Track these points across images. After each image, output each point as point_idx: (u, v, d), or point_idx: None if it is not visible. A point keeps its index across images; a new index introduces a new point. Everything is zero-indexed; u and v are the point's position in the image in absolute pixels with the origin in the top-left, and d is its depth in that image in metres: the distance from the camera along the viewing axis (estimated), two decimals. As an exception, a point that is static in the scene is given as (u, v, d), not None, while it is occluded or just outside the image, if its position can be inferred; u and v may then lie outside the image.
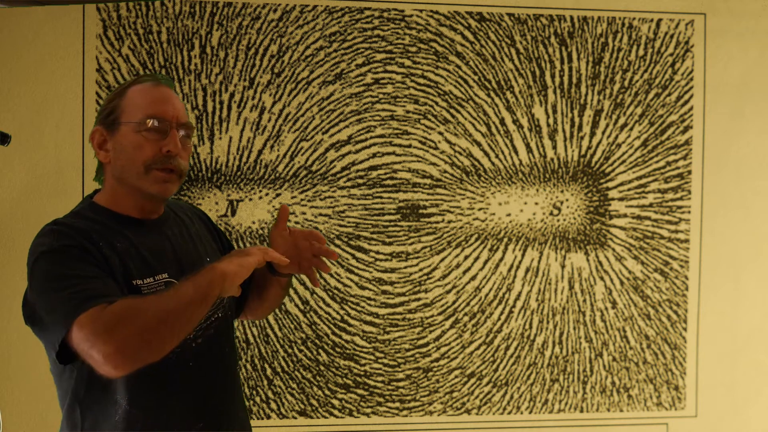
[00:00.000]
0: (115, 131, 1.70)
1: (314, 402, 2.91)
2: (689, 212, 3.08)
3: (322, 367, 2.92)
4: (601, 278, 3.05)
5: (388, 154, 2.95)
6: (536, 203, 3.02)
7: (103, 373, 1.51)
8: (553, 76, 3.01)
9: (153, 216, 1.75)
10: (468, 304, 3.00)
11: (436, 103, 2.96)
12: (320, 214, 2.91)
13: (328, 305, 2.93)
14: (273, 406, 2.90)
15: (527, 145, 3.01)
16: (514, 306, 3.02)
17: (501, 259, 3.01)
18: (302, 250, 1.83)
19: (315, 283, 1.86)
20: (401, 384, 2.96)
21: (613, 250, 3.05)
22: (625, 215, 3.06)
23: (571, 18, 3.01)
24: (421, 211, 2.97)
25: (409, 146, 2.96)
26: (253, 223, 2.87)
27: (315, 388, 2.91)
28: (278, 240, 1.83)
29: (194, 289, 1.54)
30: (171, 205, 1.84)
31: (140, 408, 1.61)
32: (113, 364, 1.48)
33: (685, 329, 3.09)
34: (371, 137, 2.94)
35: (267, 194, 2.88)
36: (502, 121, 2.99)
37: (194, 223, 1.87)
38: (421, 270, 2.97)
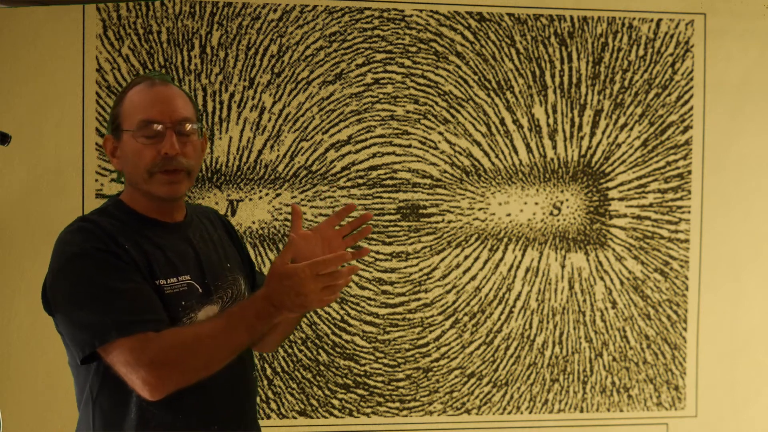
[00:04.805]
0: (120, 139, 1.71)
1: (314, 402, 2.91)
2: (689, 212, 3.08)
3: (322, 367, 2.92)
4: (601, 278, 3.05)
5: (388, 154, 2.95)
6: (536, 203, 3.02)
7: (139, 394, 1.57)
8: (553, 76, 3.01)
9: (176, 219, 1.76)
10: (468, 304, 3.00)
11: (436, 103, 2.96)
12: (320, 215, 2.91)
13: (328, 305, 2.92)
14: (273, 406, 2.90)
15: (527, 145, 3.01)
16: (514, 306, 3.02)
17: (501, 259, 3.01)
18: (331, 241, 1.78)
19: (364, 253, 1.81)
20: (401, 384, 2.96)
21: (613, 250, 3.05)
22: (625, 215, 3.06)
23: (571, 18, 3.01)
24: (421, 211, 2.97)
25: (409, 146, 2.96)
26: (253, 223, 2.87)
27: (315, 388, 2.91)
28: (301, 243, 1.74)
29: (249, 335, 1.57)
30: (194, 210, 1.84)
31: (155, 407, 1.61)
32: (151, 393, 1.55)
33: (685, 329, 3.09)
34: (371, 137, 2.94)
35: (267, 194, 2.88)
36: (502, 121, 2.99)
37: (216, 230, 1.86)
38: (421, 270, 2.97)
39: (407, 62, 2.94)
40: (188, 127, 1.70)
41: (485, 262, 3.00)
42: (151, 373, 1.53)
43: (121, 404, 1.63)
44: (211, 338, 1.55)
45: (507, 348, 3.02)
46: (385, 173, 2.95)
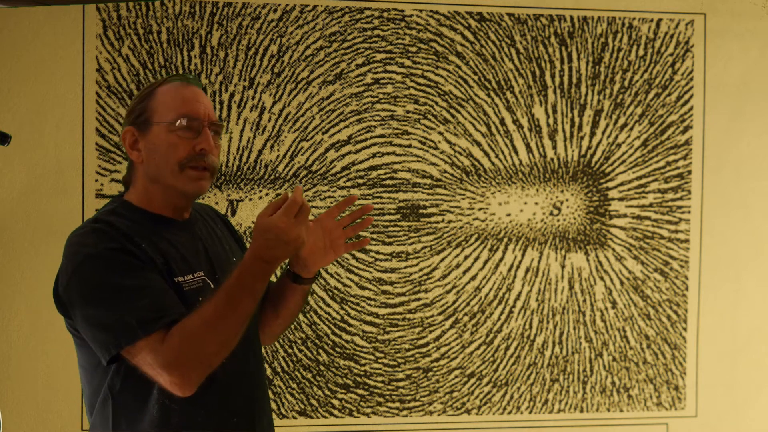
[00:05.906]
0: (147, 131, 1.71)
1: (314, 402, 2.91)
2: (689, 212, 3.08)
3: (322, 367, 2.92)
4: (601, 278, 3.05)
5: (388, 154, 2.95)
6: (536, 203, 3.02)
7: (172, 393, 1.58)
8: (553, 76, 3.01)
9: (184, 216, 1.77)
10: (468, 304, 3.00)
11: (436, 103, 2.96)
12: (320, 215, 2.90)
13: (328, 305, 2.93)
14: (273, 406, 2.90)
15: (527, 145, 3.01)
16: (514, 306, 3.02)
17: (501, 259, 3.01)
18: (332, 231, 1.82)
19: (365, 243, 1.84)
20: (401, 384, 2.96)
21: (613, 250, 3.05)
22: (625, 215, 3.06)
23: (571, 18, 3.01)
24: (421, 211, 2.97)
25: (409, 146, 2.96)
26: (253, 223, 2.87)
27: (315, 388, 2.91)
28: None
29: (253, 299, 1.56)
30: (195, 207, 1.85)
31: (176, 403, 1.62)
32: (181, 391, 1.55)
33: (685, 329, 3.09)
34: (371, 137, 2.94)
35: (267, 194, 2.88)
36: (502, 121, 2.99)
37: (218, 225, 1.89)
38: (421, 270, 2.97)
39: (407, 62, 2.94)
40: (218, 129, 1.76)
41: (485, 262, 3.00)
42: (173, 373, 1.53)
43: (143, 402, 1.63)
44: (218, 317, 1.54)
45: (507, 348, 3.02)
46: (385, 173, 2.95)
